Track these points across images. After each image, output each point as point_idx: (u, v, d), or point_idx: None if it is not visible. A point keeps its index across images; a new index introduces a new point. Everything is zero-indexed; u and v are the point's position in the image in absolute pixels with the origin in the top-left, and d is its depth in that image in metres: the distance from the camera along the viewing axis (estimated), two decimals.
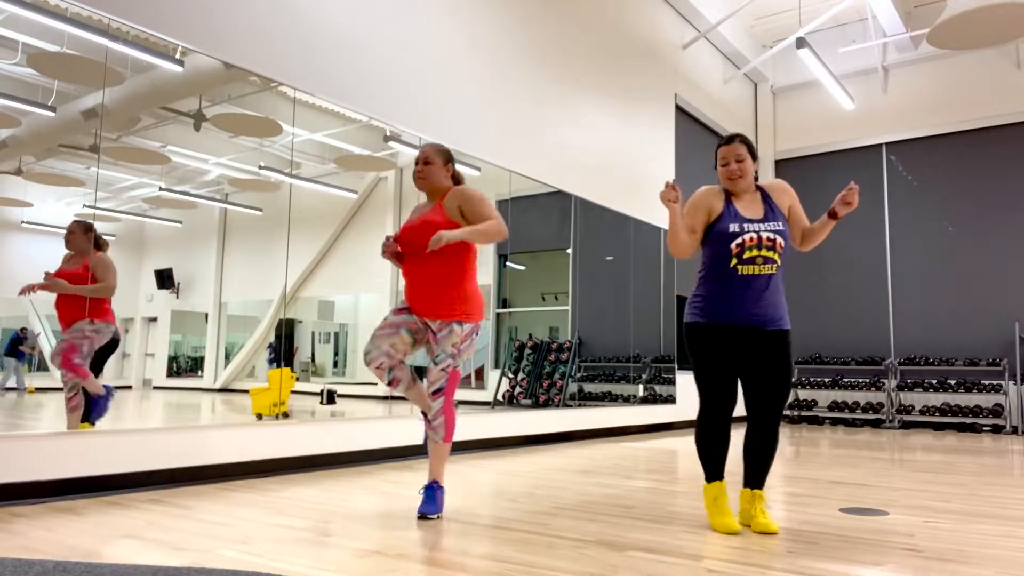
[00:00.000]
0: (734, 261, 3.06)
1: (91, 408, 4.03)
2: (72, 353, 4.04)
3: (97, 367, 4.10)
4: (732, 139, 3.18)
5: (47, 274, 3.93)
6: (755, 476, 3.14)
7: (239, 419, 4.63)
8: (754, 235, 3.05)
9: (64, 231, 3.92)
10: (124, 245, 4.18)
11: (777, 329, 3.09)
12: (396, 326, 3.35)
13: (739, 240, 3.06)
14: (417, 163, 3.41)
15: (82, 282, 4.06)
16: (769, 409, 3.07)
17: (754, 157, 3.19)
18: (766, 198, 3.19)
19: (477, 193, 3.34)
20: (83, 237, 4.08)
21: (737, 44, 10.85)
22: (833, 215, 3.10)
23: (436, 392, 3.31)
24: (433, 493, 3.31)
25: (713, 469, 3.14)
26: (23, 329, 3.90)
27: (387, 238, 3.33)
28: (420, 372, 5.35)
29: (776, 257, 3.07)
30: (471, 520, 3.25)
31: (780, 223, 3.11)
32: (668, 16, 9.57)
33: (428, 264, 3.32)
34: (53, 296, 3.92)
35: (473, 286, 3.39)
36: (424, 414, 3.39)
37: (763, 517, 3.07)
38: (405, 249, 3.38)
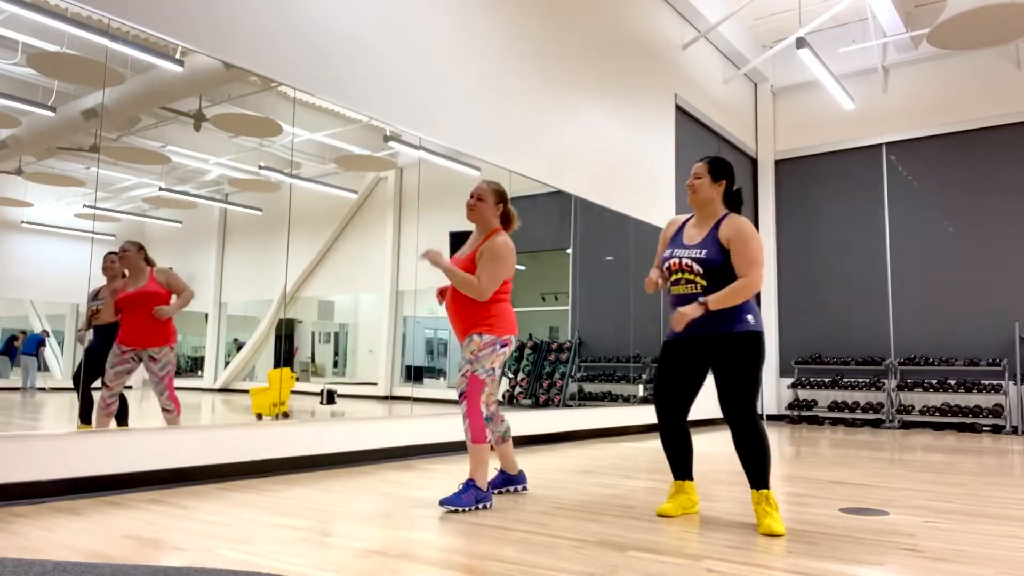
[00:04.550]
0: (669, 284, 3.44)
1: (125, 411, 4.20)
2: (172, 386, 4.31)
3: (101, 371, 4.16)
4: (704, 158, 3.49)
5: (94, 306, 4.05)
6: (748, 475, 3.24)
7: (239, 419, 4.63)
8: (676, 260, 3.38)
9: (62, 229, 3.93)
10: None
11: (726, 333, 3.27)
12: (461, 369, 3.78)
13: (667, 264, 3.43)
14: (471, 196, 3.77)
15: (164, 300, 4.30)
16: (726, 408, 3.24)
17: (716, 179, 3.42)
18: (716, 227, 3.39)
19: (498, 251, 3.66)
20: (138, 256, 4.28)
21: (737, 44, 10.85)
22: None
23: (460, 396, 3.63)
24: (463, 487, 3.52)
25: (672, 468, 3.51)
26: (45, 332, 3.94)
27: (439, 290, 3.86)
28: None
29: (697, 279, 3.31)
30: (471, 520, 3.25)
31: (704, 251, 3.32)
32: (668, 16, 9.57)
33: (454, 293, 3.74)
34: (57, 295, 3.92)
35: (500, 307, 3.72)
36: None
37: (766, 518, 3.10)
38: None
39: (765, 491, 3.16)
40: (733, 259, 3.29)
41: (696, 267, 3.31)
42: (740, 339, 3.22)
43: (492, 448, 3.97)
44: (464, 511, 3.46)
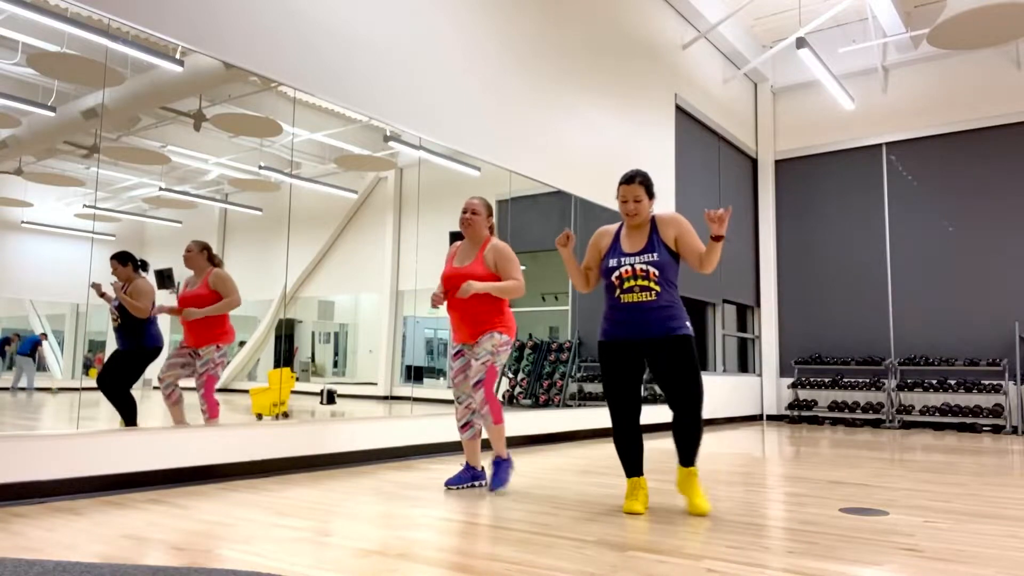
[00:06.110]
0: (617, 291, 3.55)
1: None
2: (212, 388, 4.40)
3: (136, 375, 4.22)
4: (632, 179, 3.56)
5: (101, 289, 4.06)
6: (682, 455, 3.54)
7: (239, 419, 4.63)
8: (629, 268, 3.53)
9: (62, 229, 3.93)
10: (124, 245, 4.18)
11: (668, 336, 3.47)
12: (462, 370, 4.14)
13: (617, 273, 3.55)
14: (465, 212, 4.12)
15: (208, 302, 4.43)
16: (681, 403, 3.46)
17: (651, 196, 3.59)
18: (654, 230, 3.58)
19: (509, 252, 4.08)
20: (200, 256, 4.44)
21: (737, 44, 10.85)
22: (715, 237, 3.39)
23: (477, 384, 3.96)
24: (498, 467, 4.04)
25: (628, 466, 3.61)
26: (43, 334, 3.94)
27: (434, 295, 4.09)
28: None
29: (652, 284, 3.49)
30: (471, 520, 3.26)
31: (656, 254, 3.51)
32: (668, 16, 9.57)
33: (470, 301, 4.04)
34: (57, 295, 3.92)
35: (509, 310, 4.14)
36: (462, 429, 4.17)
37: (696, 498, 3.46)
38: (451, 290, 4.11)
39: (693, 468, 3.52)
40: (687, 246, 3.53)
41: (653, 271, 3.50)
42: (684, 341, 3.47)
43: (467, 441, 4.18)
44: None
